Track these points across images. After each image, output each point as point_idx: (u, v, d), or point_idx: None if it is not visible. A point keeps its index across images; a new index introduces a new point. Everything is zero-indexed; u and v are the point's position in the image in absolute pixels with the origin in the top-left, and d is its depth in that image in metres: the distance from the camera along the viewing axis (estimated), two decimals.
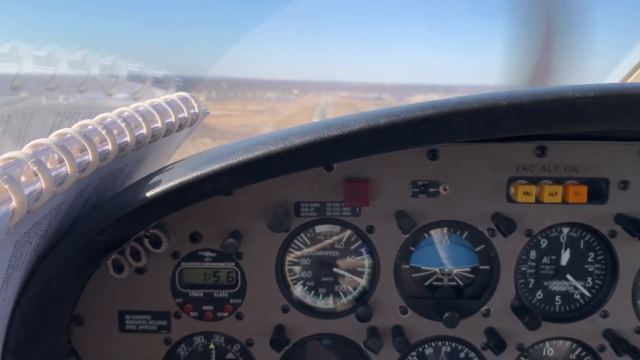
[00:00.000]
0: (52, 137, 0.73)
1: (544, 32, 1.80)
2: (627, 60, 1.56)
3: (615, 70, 1.59)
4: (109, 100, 1.10)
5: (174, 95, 1.07)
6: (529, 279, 1.07)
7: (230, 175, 0.79)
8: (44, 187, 0.65)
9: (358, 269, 1.08)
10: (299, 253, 1.08)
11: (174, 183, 0.79)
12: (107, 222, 0.80)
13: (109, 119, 0.84)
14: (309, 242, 1.07)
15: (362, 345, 1.08)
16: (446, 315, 1.03)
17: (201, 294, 1.08)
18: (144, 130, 0.89)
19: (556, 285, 1.08)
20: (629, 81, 1.56)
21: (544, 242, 1.06)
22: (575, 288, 1.07)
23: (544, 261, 1.07)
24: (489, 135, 0.79)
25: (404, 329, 1.07)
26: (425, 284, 1.09)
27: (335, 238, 1.07)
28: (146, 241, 0.91)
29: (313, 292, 1.09)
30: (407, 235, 1.05)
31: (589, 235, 1.05)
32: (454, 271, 1.08)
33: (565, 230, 1.05)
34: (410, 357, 1.11)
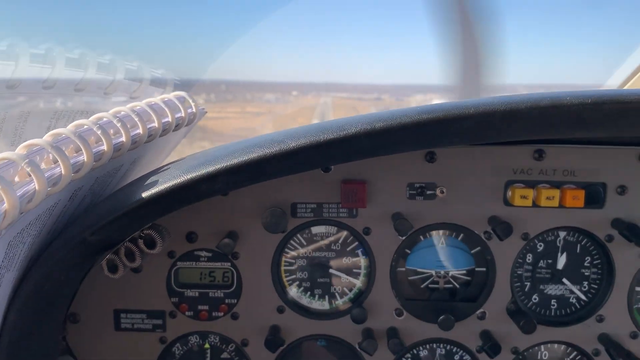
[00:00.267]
0: (47, 137, 0.73)
1: (463, 32, 1.79)
2: (627, 64, 1.55)
3: (615, 74, 1.59)
4: (106, 104, 1.09)
5: (171, 95, 1.07)
6: (525, 283, 1.07)
7: (225, 177, 0.79)
8: (37, 188, 0.65)
9: (354, 270, 1.08)
10: (295, 254, 1.08)
11: (168, 184, 0.79)
12: (101, 223, 0.80)
13: (104, 119, 0.84)
14: (305, 243, 1.07)
15: (357, 347, 1.08)
16: (441, 317, 1.03)
17: (197, 294, 1.08)
18: (140, 130, 0.89)
19: (552, 289, 1.07)
20: (628, 85, 1.56)
21: (540, 245, 1.06)
22: (571, 292, 1.07)
23: (540, 265, 1.06)
24: (486, 140, 0.79)
25: (399, 330, 1.07)
26: (421, 286, 1.09)
27: (331, 239, 1.07)
28: (141, 242, 0.91)
29: (309, 293, 1.09)
30: (404, 238, 1.04)
31: (585, 240, 1.05)
32: (450, 273, 1.08)
33: (562, 234, 1.05)
34: (404, 359, 1.11)
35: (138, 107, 0.93)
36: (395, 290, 1.07)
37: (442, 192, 1.02)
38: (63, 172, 0.70)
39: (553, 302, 1.08)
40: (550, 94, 0.74)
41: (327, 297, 1.09)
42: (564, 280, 1.06)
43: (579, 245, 1.06)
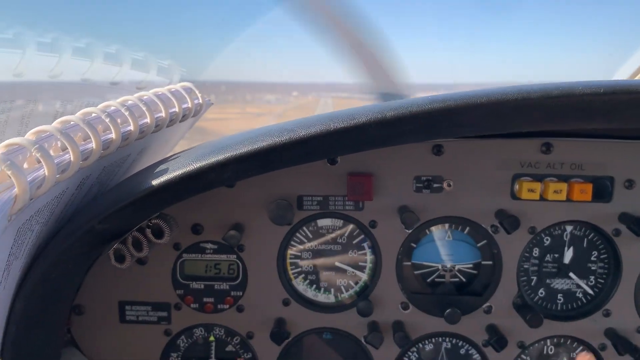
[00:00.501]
0: (56, 124, 0.73)
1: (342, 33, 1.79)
2: (633, 59, 1.55)
3: (621, 69, 1.59)
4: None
5: (178, 86, 1.06)
6: (532, 277, 1.07)
7: (234, 165, 0.78)
8: (47, 174, 0.64)
9: (360, 263, 1.08)
10: (300, 246, 1.07)
11: (177, 173, 0.79)
12: (109, 211, 0.79)
13: (112, 107, 0.83)
14: (311, 236, 1.07)
15: (363, 340, 1.08)
16: (448, 311, 1.02)
17: (202, 286, 1.07)
18: (147, 120, 0.88)
19: (558, 284, 1.07)
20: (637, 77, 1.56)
21: (547, 239, 1.05)
22: (578, 286, 1.07)
23: (546, 259, 1.06)
24: (497, 130, 0.78)
25: (404, 324, 1.07)
26: (428, 280, 1.09)
27: (337, 232, 1.07)
28: (148, 231, 0.91)
29: (314, 285, 1.09)
30: (410, 231, 1.04)
31: (592, 234, 1.05)
32: (457, 267, 1.08)
33: (569, 228, 1.05)
34: (410, 353, 1.11)
35: (145, 97, 0.92)
36: (401, 283, 1.06)
37: (449, 185, 1.02)
38: (72, 159, 0.69)
39: (559, 296, 1.08)
40: (562, 83, 0.74)
41: (332, 290, 1.09)
42: (571, 274, 1.06)
43: (585, 240, 1.05)
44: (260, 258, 1.06)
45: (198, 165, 0.79)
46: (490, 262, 1.06)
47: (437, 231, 1.07)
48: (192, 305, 1.08)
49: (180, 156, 0.86)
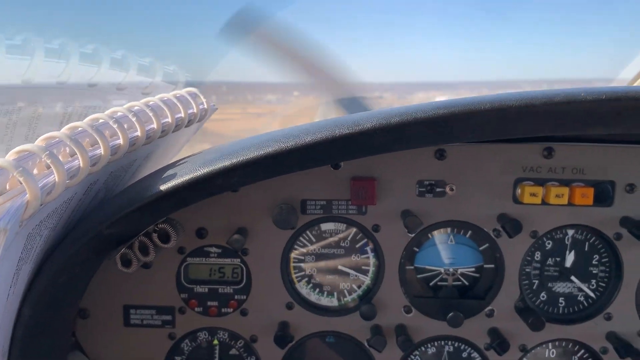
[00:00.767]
0: (65, 130, 0.73)
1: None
2: (634, 63, 1.56)
3: (621, 73, 1.60)
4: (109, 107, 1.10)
5: (183, 91, 1.07)
6: (534, 280, 1.08)
7: (241, 171, 0.79)
8: (57, 180, 0.65)
9: (363, 267, 1.08)
10: (304, 250, 1.08)
11: (184, 178, 0.79)
12: (117, 216, 0.80)
13: (119, 113, 0.84)
14: (314, 240, 1.08)
15: (366, 344, 1.09)
16: (450, 315, 1.03)
17: (206, 290, 1.08)
18: (154, 125, 0.89)
19: (560, 287, 1.08)
20: (636, 84, 1.57)
21: (549, 243, 1.06)
22: (579, 290, 1.08)
23: (548, 263, 1.07)
24: (501, 136, 0.79)
25: (407, 328, 1.08)
26: (430, 283, 1.10)
27: (340, 236, 1.08)
28: (155, 236, 0.92)
29: (318, 289, 1.10)
30: (413, 235, 1.05)
31: (594, 238, 1.06)
32: (459, 271, 1.09)
33: (571, 232, 1.06)
34: (413, 356, 1.11)
35: (152, 102, 0.93)
36: (403, 287, 1.07)
37: (451, 189, 1.03)
38: (81, 165, 0.70)
39: (561, 300, 1.09)
40: (564, 90, 0.75)
41: (335, 293, 1.10)
42: (573, 278, 1.07)
43: (587, 243, 1.06)
44: (264, 262, 1.07)
45: (206, 170, 0.80)
46: (492, 266, 1.07)
47: (439, 235, 1.08)
48: (196, 309, 1.08)
49: (188, 161, 0.87)
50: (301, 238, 1.07)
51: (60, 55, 0.92)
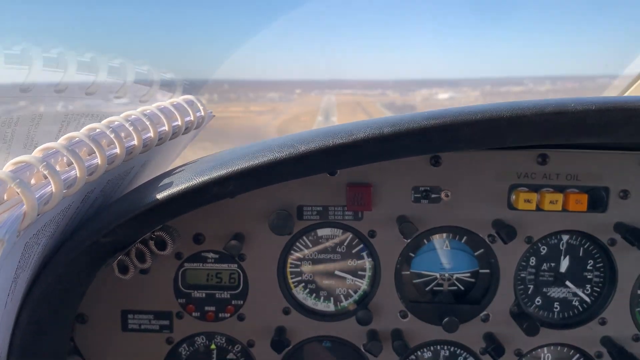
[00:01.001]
0: (61, 140, 0.74)
1: None
2: (627, 71, 1.56)
3: (615, 82, 1.60)
4: (110, 106, 1.11)
5: (180, 98, 1.08)
6: (528, 285, 1.08)
7: (236, 180, 0.80)
8: (54, 190, 0.66)
9: (359, 272, 1.09)
10: (300, 256, 1.09)
11: (180, 187, 0.80)
12: (114, 225, 0.81)
13: (116, 122, 0.85)
14: (310, 245, 1.09)
15: (362, 348, 1.09)
16: (446, 320, 1.04)
17: (203, 295, 1.09)
18: (151, 134, 0.90)
19: (555, 292, 1.09)
20: (628, 93, 1.57)
21: (543, 249, 1.07)
22: (574, 295, 1.09)
23: (543, 268, 1.08)
24: (492, 145, 0.80)
25: (403, 332, 1.09)
26: (426, 289, 1.10)
27: (336, 241, 1.08)
28: (151, 243, 0.93)
29: (314, 294, 1.10)
30: (408, 240, 1.06)
31: (588, 243, 1.07)
32: (455, 276, 1.10)
33: (565, 237, 1.07)
34: None
35: (148, 111, 0.94)
36: (399, 292, 1.08)
37: (447, 195, 1.03)
38: (78, 175, 0.71)
39: (556, 304, 1.09)
40: (555, 100, 0.76)
41: (332, 298, 1.11)
42: (568, 282, 1.07)
43: (581, 249, 1.07)
44: (260, 267, 1.08)
45: (201, 179, 0.81)
46: (487, 271, 1.08)
47: (435, 240, 1.09)
48: (193, 314, 1.09)
49: (184, 170, 0.88)
50: (298, 244, 1.08)
51: (59, 65, 0.93)
